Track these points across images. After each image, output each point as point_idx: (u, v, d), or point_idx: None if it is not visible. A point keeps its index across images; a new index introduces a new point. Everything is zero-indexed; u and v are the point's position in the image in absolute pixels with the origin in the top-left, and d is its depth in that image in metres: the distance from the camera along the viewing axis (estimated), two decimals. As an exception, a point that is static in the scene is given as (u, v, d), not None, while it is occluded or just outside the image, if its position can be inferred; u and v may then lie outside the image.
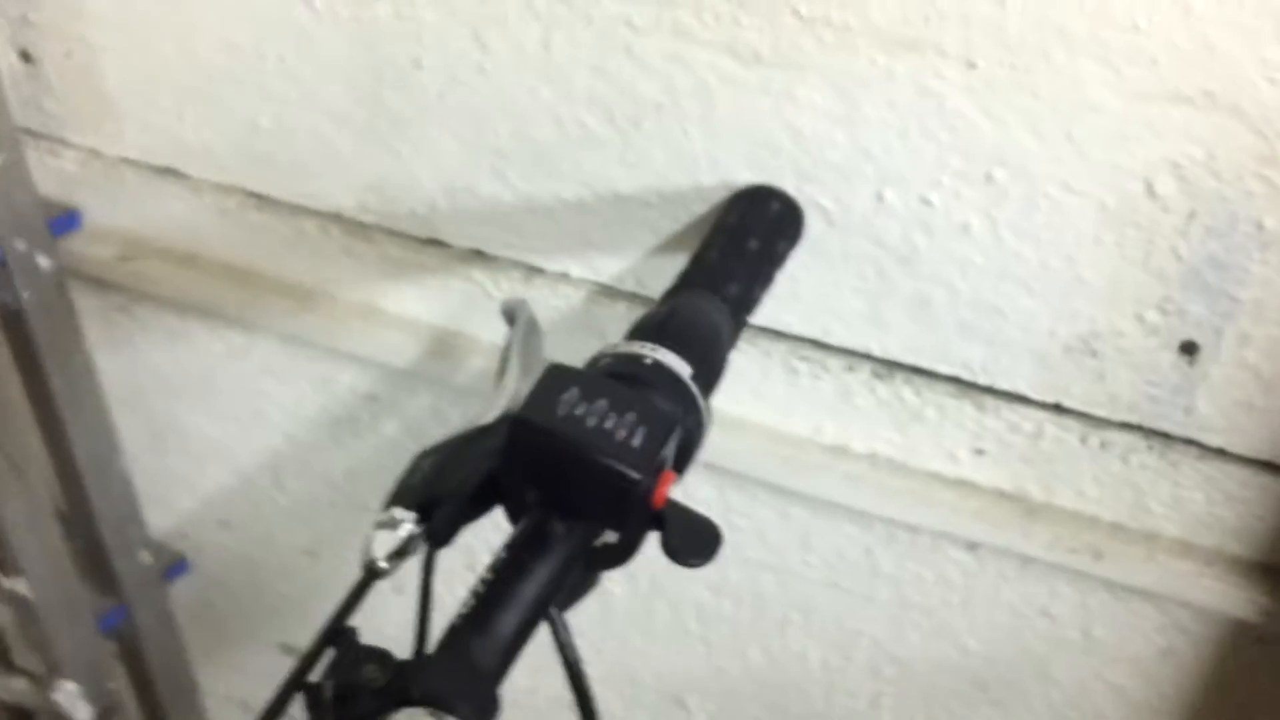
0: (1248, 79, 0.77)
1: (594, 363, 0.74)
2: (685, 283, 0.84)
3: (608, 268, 1.02)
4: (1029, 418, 0.97)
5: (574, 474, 0.65)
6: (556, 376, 0.68)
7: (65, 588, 1.31)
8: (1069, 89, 0.81)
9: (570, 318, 1.06)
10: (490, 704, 0.63)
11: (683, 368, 0.74)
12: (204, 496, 1.44)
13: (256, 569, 1.49)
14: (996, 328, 0.93)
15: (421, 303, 1.12)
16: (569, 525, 0.67)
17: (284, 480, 1.36)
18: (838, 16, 0.83)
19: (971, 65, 0.82)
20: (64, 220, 1.19)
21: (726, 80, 0.89)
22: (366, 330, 1.14)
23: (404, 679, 0.62)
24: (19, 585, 1.26)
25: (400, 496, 0.74)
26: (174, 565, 1.49)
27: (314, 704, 0.64)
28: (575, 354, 1.07)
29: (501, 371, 0.88)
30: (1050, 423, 0.97)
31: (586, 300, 1.05)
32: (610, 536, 0.70)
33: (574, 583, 0.72)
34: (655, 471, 0.65)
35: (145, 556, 1.42)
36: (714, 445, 1.02)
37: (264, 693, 1.78)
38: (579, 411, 0.65)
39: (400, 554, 0.71)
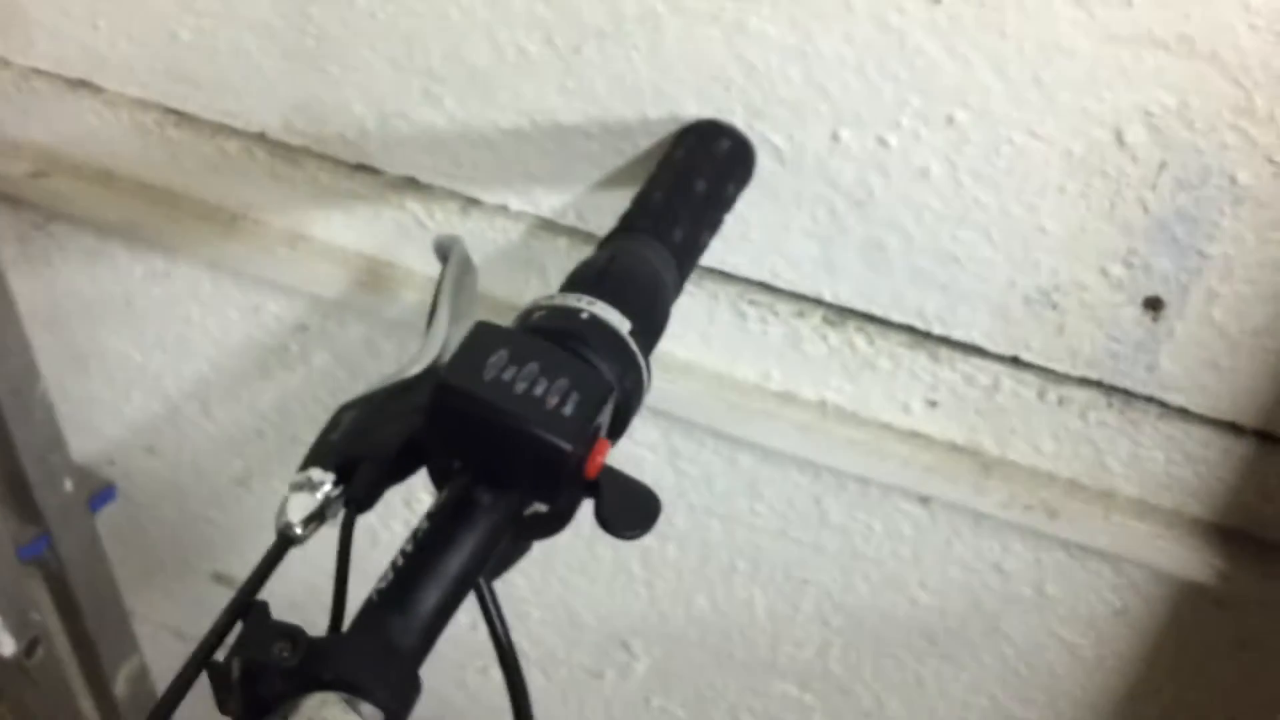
0: (1227, 24, 0.73)
1: (526, 316, 0.70)
2: (627, 227, 0.81)
3: (548, 201, 0.98)
4: (985, 370, 0.94)
5: (501, 443, 0.62)
6: (484, 336, 0.64)
7: (-22, 520, 1.27)
8: (1038, 28, 0.77)
9: (508, 252, 1.02)
10: (409, 687, 0.60)
11: (621, 323, 0.70)
12: (130, 423, 1.40)
13: (187, 497, 1.45)
14: (953, 276, 0.90)
15: (352, 231, 1.08)
16: (496, 495, 0.64)
17: (211, 409, 1.32)
18: (793, -57, 0.79)
19: (936, 0, 0.78)
20: (-28, 133, 1.14)
21: (675, 8, 0.84)
22: (294, 258, 1.10)
23: (316, 659, 0.59)
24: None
25: (318, 455, 0.71)
26: (100, 493, 1.45)
27: (219, 684, 0.61)
28: (513, 291, 1.04)
29: (431, 315, 0.85)
30: (1007, 376, 0.94)
31: (526, 234, 1.01)
32: (541, 505, 0.67)
33: (504, 551, 0.69)
34: (589, 441, 0.62)
35: (68, 484, 1.39)
36: (660, 389, 0.99)
37: (197, 620, 1.77)
38: (507, 376, 0.62)
39: (317, 518, 0.68)
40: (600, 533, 1.22)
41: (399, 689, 0.59)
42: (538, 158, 0.96)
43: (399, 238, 1.06)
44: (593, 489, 0.64)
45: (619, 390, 0.66)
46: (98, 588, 1.52)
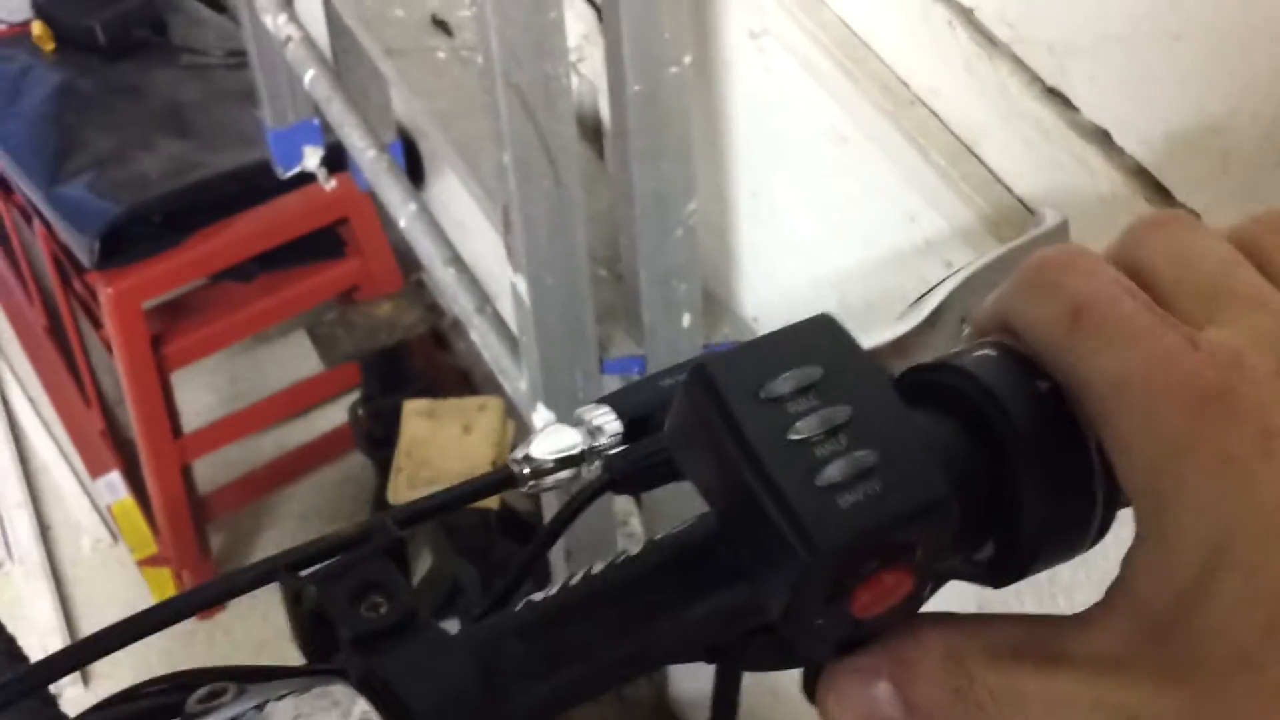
0: None
1: (960, 353, 0.47)
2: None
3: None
4: None
5: (732, 493, 0.41)
6: (808, 336, 0.43)
7: (570, 310, 1.22)
8: None
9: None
10: None
11: None
12: (778, 285, 1.29)
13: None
14: None
15: (1021, 169, 0.86)
16: (736, 565, 0.44)
17: (848, 304, 1.17)
18: None
19: None
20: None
21: None
22: (950, 176, 0.91)
23: (387, 645, 0.43)
24: (519, 283, 1.19)
25: (626, 396, 0.54)
26: (724, 343, 1.36)
27: (293, 601, 0.47)
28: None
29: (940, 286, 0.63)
30: None
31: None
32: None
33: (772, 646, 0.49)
34: (855, 557, 0.40)
35: (687, 319, 1.30)
36: None
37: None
38: (794, 408, 0.41)
39: (565, 466, 0.52)
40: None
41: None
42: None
43: (1070, 199, 0.83)
44: (877, 631, 0.43)
45: (976, 510, 0.42)
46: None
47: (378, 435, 2.30)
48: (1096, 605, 0.39)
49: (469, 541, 2.05)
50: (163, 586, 2.46)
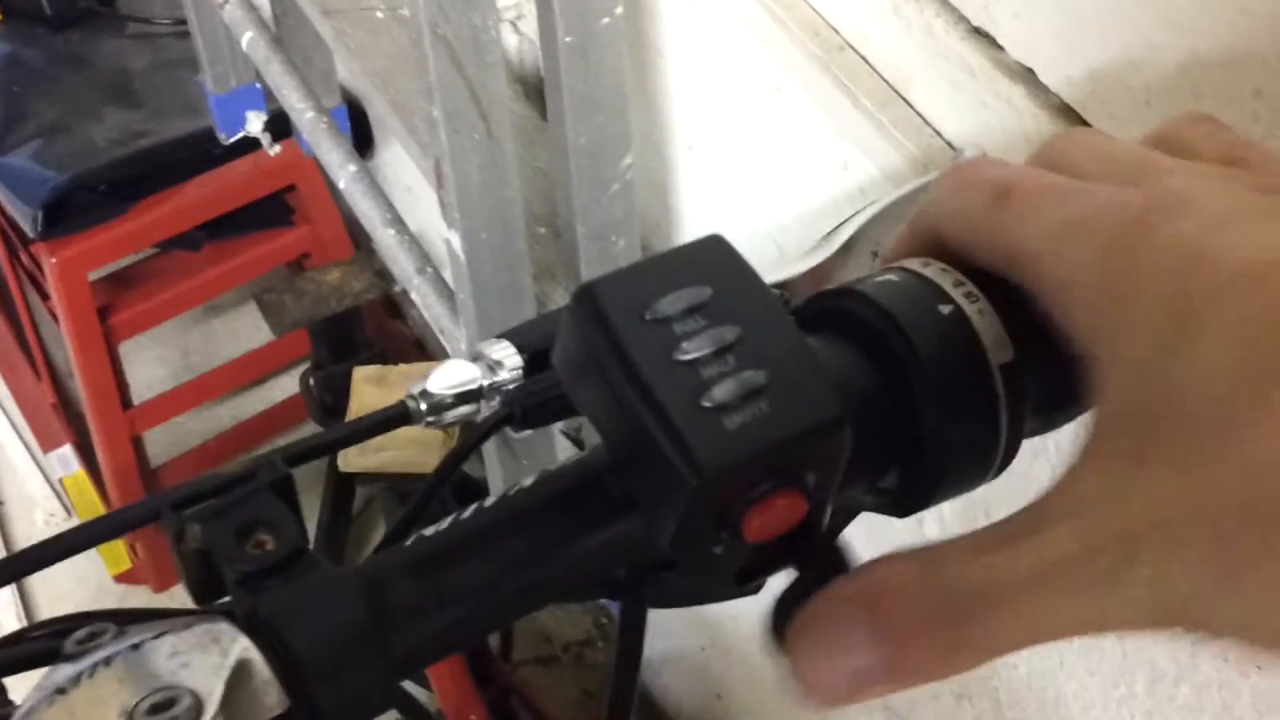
0: None
1: (867, 278, 0.46)
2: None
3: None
4: None
5: (618, 420, 0.40)
6: (696, 257, 0.42)
7: (506, 265, 1.20)
8: None
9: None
10: (359, 694, 0.41)
11: (1000, 349, 0.43)
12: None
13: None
14: None
15: (948, 111, 0.85)
16: (627, 495, 0.43)
17: (787, 250, 1.15)
18: None
19: None
20: None
21: None
22: (880, 122, 0.89)
23: (273, 581, 0.42)
24: (454, 239, 1.17)
25: (524, 331, 0.53)
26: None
27: (176, 540, 0.46)
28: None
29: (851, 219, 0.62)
30: None
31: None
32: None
33: (680, 580, 0.48)
34: (742, 479, 0.38)
35: (626, 276, 1.28)
36: None
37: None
38: (681, 328, 0.40)
39: (463, 402, 0.51)
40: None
41: (339, 692, 0.40)
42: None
43: (995, 141, 0.82)
44: (776, 560, 0.42)
45: (863, 433, 0.41)
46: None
47: (329, 404, 2.28)
48: (1064, 472, 0.37)
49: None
50: (117, 559, 2.43)
